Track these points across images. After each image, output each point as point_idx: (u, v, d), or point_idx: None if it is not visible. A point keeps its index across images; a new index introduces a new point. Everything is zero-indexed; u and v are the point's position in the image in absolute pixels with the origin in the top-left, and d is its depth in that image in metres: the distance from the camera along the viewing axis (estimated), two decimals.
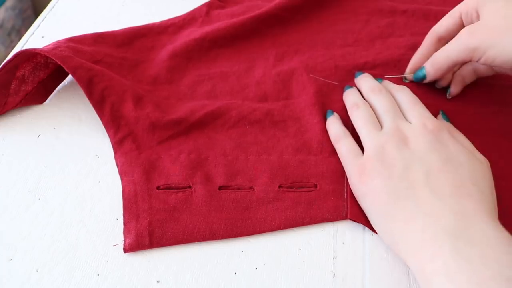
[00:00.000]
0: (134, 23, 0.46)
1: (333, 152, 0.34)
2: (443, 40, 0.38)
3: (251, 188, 0.32)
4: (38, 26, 0.49)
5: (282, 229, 0.30)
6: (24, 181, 0.33)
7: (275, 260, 0.29)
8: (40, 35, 0.47)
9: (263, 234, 0.30)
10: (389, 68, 0.42)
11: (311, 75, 0.41)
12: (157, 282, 0.28)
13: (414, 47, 0.42)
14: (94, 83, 0.36)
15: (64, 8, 0.51)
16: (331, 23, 0.49)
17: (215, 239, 0.30)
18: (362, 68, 0.42)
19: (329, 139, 0.35)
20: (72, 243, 0.30)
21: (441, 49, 0.36)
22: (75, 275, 0.28)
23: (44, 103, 0.39)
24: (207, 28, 0.45)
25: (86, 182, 0.33)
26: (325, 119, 0.37)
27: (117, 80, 0.37)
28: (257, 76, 0.41)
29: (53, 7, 0.51)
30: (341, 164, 0.33)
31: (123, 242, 0.29)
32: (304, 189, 0.32)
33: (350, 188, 0.32)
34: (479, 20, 0.34)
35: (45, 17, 0.50)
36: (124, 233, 0.30)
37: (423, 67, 0.38)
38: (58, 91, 0.40)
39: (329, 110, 0.37)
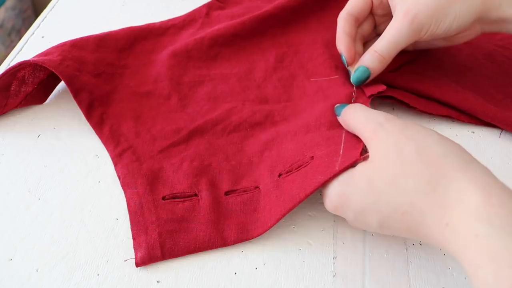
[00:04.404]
0: (134, 23, 0.46)
1: (331, 127, 0.33)
2: (358, 22, 0.39)
3: (256, 187, 0.32)
4: (38, 26, 0.49)
5: (285, 214, 0.29)
6: (24, 181, 0.33)
7: (275, 260, 0.29)
8: (40, 35, 0.47)
9: (263, 234, 0.30)
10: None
11: (312, 79, 0.41)
12: (157, 282, 0.28)
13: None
14: (94, 107, 0.37)
15: (64, 8, 0.51)
16: (330, 24, 0.49)
17: (227, 245, 0.30)
18: None
19: (327, 117, 0.34)
20: (72, 243, 0.30)
21: (382, 41, 0.35)
22: (75, 275, 0.28)
23: (44, 103, 0.39)
24: (207, 30, 0.45)
25: (86, 182, 0.33)
26: (325, 106, 0.36)
27: (117, 104, 0.38)
28: (258, 80, 0.41)
29: (53, 7, 0.51)
30: (339, 133, 0.32)
31: (134, 257, 0.29)
32: (301, 166, 0.31)
33: (347, 141, 0.31)
34: None
35: (45, 17, 0.50)
36: (134, 247, 0.29)
37: (363, 66, 0.36)
38: (58, 91, 0.40)
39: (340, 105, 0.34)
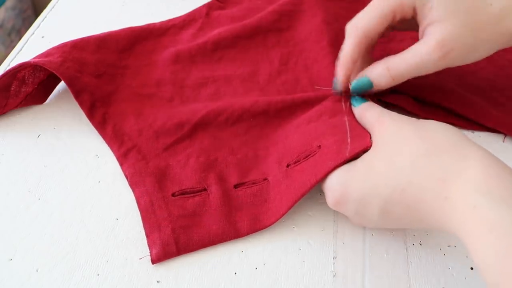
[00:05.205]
0: (134, 23, 0.46)
1: (333, 115, 0.33)
2: (372, 42, 0.34)
3: (265, 179, 0.32)
4: (38, 26, 0.49)
5: (296, 201, 0.30)
6: (24, 181, 0.33)
7: (275, 260, 0.29)
8: (40, 35, 0.47)
9: (263, 234, 0.30)
10: None
11: (316, 87, 0.41)
12: (157, 282, 0.28)
13: None
14: (96, 107, 0.37)
15: (64, 8, 0.51)
16: (337, 18, 0.48)
17: (241, 237, 0.30)
18: None
19: (327, 105, 0.34)
20: (72, 243, 0.30)
21: (401, 63, 0.32)
22: (75, 275, 0.28)
23: (44, 103, 0.39)
24: (210, 34, 0.45)
25: (86, 182, 0.33)
26: (325, 103, 0.36)
27: (118, 104, 0.38)
28: (262, 83, 0.41)
29: (53, 7, 0.51)
30: (342, 121, 0.32)
31: (149, 254, 0.29)
32: (309, 156, 0.31)
33: (353, 126, 0.31)
34: (432, 25, 0.31)
35: (45, 17, 0.50)
36: (148, 245, 0.29)
37: (368, 79, 0.33)
38: (58, 91, 0.40)
39: (357, 97, 0.34)
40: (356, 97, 0.34)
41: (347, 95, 0.35)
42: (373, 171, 0.27)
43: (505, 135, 0.38)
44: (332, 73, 0.41)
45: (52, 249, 0.29)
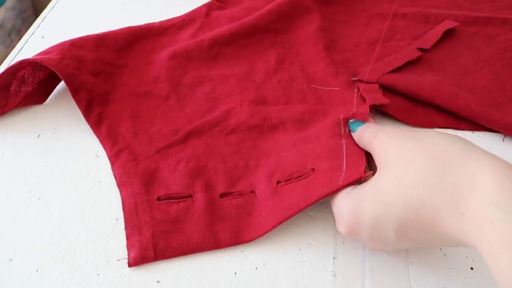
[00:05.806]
0: (134, 23, 0.46)
1: (330, 137, 0.33)
2: None
3: (252, 192, 0.32)
4: (38, 26, 0.49)
5: (282, 221, 0.29)
6: (24, 181, 0.33)
7: (275, 260, 0.29)
8: (40, 35, 0.47)
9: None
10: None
11: (312, 85, 0.41)
12: (157, 282, 0.28)
13: None
14: (92, 106, 0.37)
15: (64, 8, 0.51)
16: (331, 24, 0.49)
17: (221, 248, 0.30)
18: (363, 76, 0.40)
19: (326, 126, 0.34)
20: (72, 243, 0.29)
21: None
22: (75, 275, 0.28)
23: (44, 103, 0.39)
24: (208, 33, 0.45)
25: (86, 182, 0.33)
26: (324, 123, 0.35)
27: (115, 104, 0.38)
28: (258, 81, 0.41)
29: (53, 7, 0.52)
30: (340, 144, 0.32)
31: (127, 256, 0.29)
32: (301, 177, 0.31)
33: (349, 155, 0.30)
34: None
35: (45, 17, 0.50)
36: (127, 247, 0.29)
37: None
38: (58, 91, 0.40)
39: (355, 121, 0.33)
40: (354, 121, 0.33)
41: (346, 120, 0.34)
42: (382, 192, 0.26)
43: (505, 135, 0.38)
44: (327, 75, 0.41)
45: (52, 249, 0.29)
